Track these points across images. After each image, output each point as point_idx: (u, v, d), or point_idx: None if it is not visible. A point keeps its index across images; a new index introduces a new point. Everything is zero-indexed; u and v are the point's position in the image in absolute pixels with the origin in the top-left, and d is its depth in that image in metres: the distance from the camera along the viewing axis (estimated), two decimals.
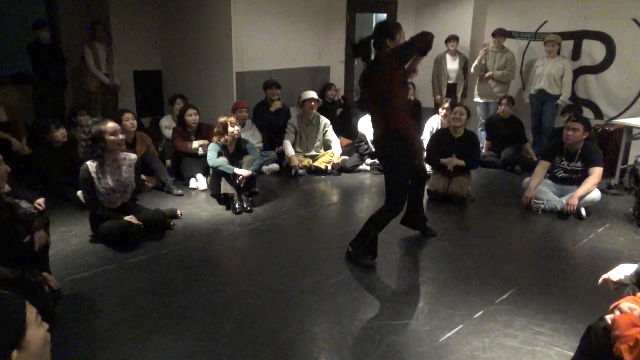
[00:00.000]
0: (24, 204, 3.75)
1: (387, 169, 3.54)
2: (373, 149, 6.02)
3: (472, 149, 5.15)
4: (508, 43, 7.06)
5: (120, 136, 3.83)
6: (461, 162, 5.04)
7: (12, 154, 4.80)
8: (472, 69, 6.91)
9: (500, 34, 6.80)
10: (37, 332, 1.35)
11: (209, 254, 3.81)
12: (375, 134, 3.59)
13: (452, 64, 7.19)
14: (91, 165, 3.73)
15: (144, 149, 5.20)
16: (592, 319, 2.09)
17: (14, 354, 1.27)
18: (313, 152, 6.08)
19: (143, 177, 4.90)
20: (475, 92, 7.10)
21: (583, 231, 4.33)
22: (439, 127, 5.94)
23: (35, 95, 6.17)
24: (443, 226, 4.35)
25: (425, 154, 4.99)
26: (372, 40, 3.39)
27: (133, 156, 3.99)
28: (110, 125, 3.75)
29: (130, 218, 3.81)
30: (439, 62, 7.25)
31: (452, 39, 7.09)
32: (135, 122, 5.14)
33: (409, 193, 3.80)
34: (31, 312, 1.36)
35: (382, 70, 3.32)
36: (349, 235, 3.83)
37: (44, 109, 6.04)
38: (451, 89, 7.25)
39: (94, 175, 3.73)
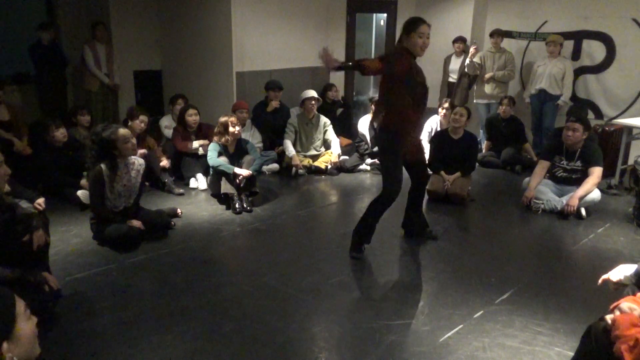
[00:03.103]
0: (24, 204, 3.75)
1: (381, 160, 3.80)
2: (373, 149, 6.02)
3: (470, 151, 5.15)
4: (508, 43, 7.06)
5: (133, 141, 3.85)
6: (457, 175, 5.04)
7: (12, 154, 4.80)
8: (465, 68, 6.91)
9: (498, 34, 6.80)
10: (26, 324, 1.38)
11: (209, 254, 3.81)
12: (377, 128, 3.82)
13: (455, 64, 7.20)
14: (105, 168, 3.73)
15: (145, 148, 5.22)
16: (592, 319, 2.09)
17: (4, 345, 1.31)
18: (313, 152, 6.08)
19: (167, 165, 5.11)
20: (474, 94, 7.10)
21: (583, 231, 4.33)
22: (439, 128, 5.94)
23: (41, 95, 6.20)
24: (443, 226, 4.35)
25: (425, 156, 5.01)
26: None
27: (141, 161, 4.00)
28: (122, 132, 3.76)
29: (132, 222, 3.81)
30: (446, 63, 7.27)
31: (459, 40, 7.08)
32: (145, 126, 5.23)
33: (408, 196, 3.96)
34: (20, 305, 1.39)
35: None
36: (349, 235, 3.83)
37: (49, 108, 6.07)
38: (451, 88, 7.26)
39: (106, 179, 3.73)
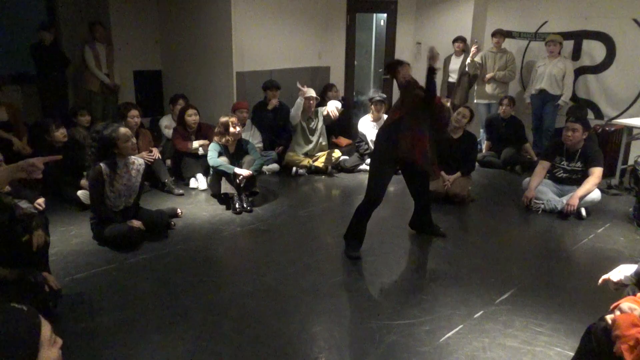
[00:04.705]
0: (24, 204, 3.75)
1: (370, 163, 3.91)
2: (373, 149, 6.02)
3: (470, 151, 5.15)
4: (508, 43, 7.06)
5: (133, 140, 3.85)
6: (457, 175, 5.04)
7: (12, 154, 4.80)
8: (466, 67, 6.92)
9: (500, 34, 6.80)
10: (49, 352, 1.26)
11: (209, 254, 3.81)
12: None
13: (455, 64, 7.20)
14: (104, 167, 3.73)
15: (146, 146, 5.20)
16: (592, 319, 2.09)
17: None
18: (314, 151, 6.07)
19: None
20: (475, 94, 7.10)
21: (583, 231, 4.33)
22: None
23: (42, 95, 6.21)
24: (443, 226, 4.34)
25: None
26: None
27: (141, 161, 4.00)
28: (123, 131, 3.76)
29: (132, 222, 3.81)
30: (446, 63, 7.27)
31: (459, 39, 7.08)
32: (139, 119, 5.18)
33: (413, 197, 4.00)
34: (46, 329, 1.27)
35: None
36: None
37: (50, 108, 6.07)
38: (451, 88, 7.25)
39: (105, 178, 3.73)
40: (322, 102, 6.42)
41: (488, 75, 6.82)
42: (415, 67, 8.12)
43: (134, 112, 5.11)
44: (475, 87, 7.07)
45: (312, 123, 6.08)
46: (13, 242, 2.75)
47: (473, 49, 6.79)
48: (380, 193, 3.66)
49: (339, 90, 7.25)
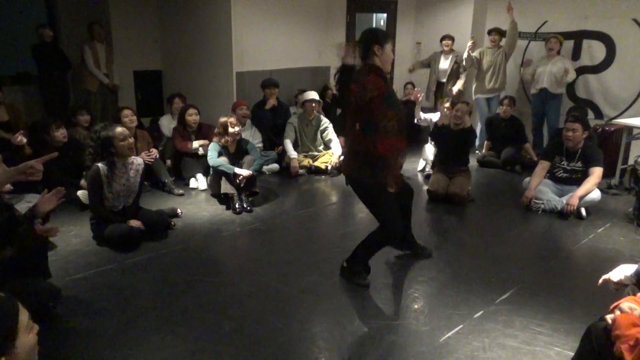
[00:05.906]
0: (24, 204, 3.75)
1: (368, 197, 3.14)
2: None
3: (467, 141, 5.20)
4: None
5: (130, 140, 3.84)
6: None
7: (12, 154, 4.78)
8: (463, 62, 6.93)
9: (497, 32, 6.82)
10: (26, 337, 1.31)
11: (209, 254, 3.81)
12: (348, 158, 3.18)
13: (444, 64, 7.20)
14: (102, 168, 3.73)
15: (146, 147, 5.19)
16: (592, 319, 2.09)
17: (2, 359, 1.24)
18: (313, 152, 6.08)
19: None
20: (473, 89, 7.09)
21: (583, 231, 4.33)
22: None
23: (44, 95, 6.21)
24: (443, 226, 4.35)
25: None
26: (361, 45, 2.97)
27: (140, 161, 4.00)
28: (119, 130, 3.75)
29: (132, 222, 3.81)
30: (434, 60, 7.28)
31: (447, 37, 7.09)
32: (134, 118, 5.11)
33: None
34: (24, 316, 1.32)
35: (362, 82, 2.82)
36: (349, 235, 3.83)
37: (52, 108, 6.07)
38: (440, 88, 7.26)
39: (104, 178, 3.73)
40: (322, 103, 6.42)
41: (470, 45, 6.74)
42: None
43: (127, 112, 5.05)
44: (475, 83, 7.07)
45: (312, 129, 6.07)
46: (13, 242, 2.75)
47: (470, 44, 6.80)
48: (401, 224, 3.16)
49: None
